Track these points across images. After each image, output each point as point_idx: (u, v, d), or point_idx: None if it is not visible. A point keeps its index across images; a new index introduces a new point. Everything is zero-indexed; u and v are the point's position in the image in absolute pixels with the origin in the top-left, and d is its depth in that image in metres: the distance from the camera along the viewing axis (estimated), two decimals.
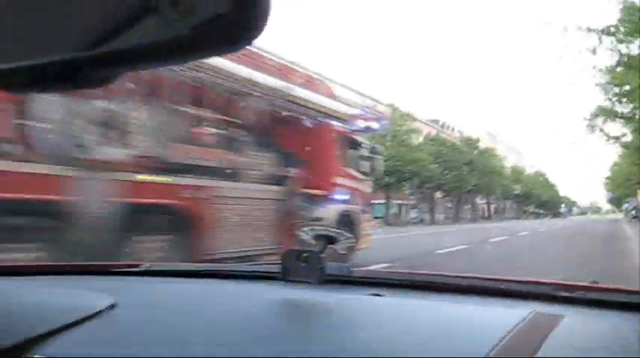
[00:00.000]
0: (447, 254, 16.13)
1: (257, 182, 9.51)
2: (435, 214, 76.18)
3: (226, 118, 9.17)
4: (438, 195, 76.43)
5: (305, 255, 1.28)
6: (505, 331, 0.96)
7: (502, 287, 1.44)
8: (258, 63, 9.28)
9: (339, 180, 11.52)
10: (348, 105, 12.12)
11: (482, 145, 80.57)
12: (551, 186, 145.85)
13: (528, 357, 0.88)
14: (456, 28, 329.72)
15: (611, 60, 23.82)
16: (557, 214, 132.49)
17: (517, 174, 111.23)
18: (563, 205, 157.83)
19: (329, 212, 10.82)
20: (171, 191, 7.60)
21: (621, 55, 21.50)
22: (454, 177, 67.97)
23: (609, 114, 33.99)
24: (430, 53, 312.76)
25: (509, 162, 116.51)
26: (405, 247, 19.14)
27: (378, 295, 1.36)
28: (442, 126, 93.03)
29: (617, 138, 36.54)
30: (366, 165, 12.65)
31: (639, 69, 22.64)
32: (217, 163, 8.77)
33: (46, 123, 6.41)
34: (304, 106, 10.61)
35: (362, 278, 1.56)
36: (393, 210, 63.80)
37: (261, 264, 2.01)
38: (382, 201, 60.50)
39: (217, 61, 7.81)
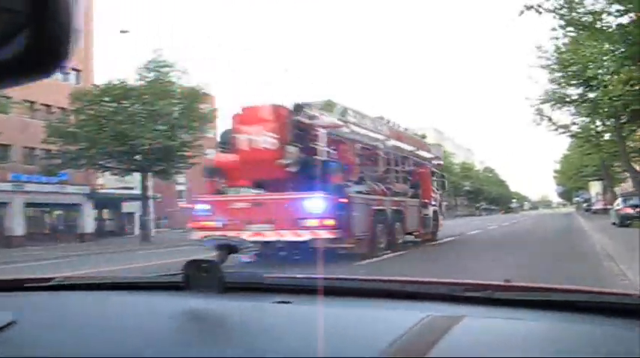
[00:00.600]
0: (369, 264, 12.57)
1: (410, 197, 18.29)
2: None
3: (398, 170, 18.34)
4: None
5: (205, 265, 1.30)
6: (399, 333, 1.00)
7: (408, 289, 1.49)
8: (402, 137, 19.05)
9: (432, 194, 20.83)
10: (430, 151, 22.41)
11: (428, 141, 77.13)
12: (501, 182, 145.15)
13: None
14: (403, 26, 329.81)
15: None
16: (508, 210, 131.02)
17: (466, 170, 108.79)
18: (514, 201, 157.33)
19: (431, 210, 20.12)
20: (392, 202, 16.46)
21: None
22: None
23: (558, 99, 31.14)
24: (376, 51, 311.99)
25: (458, 158, 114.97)
26: None
27: (286, 302, 1.37)
28: (387, 123, 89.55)
29: (566, 127, 33.42)
30: (440, 185, 23.08)
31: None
32: (401, 191, 17.66)
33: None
34: (422, 159, 20.70)
35: (273, 285, 1.57)
36: None
37: (164, 275, 1.83)
38: None
39: (397, 143, 18.15)
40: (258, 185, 13.72)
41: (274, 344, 1.07)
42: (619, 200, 28.26)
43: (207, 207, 13.67)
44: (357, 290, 1.57)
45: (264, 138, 13.11)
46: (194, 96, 30.77)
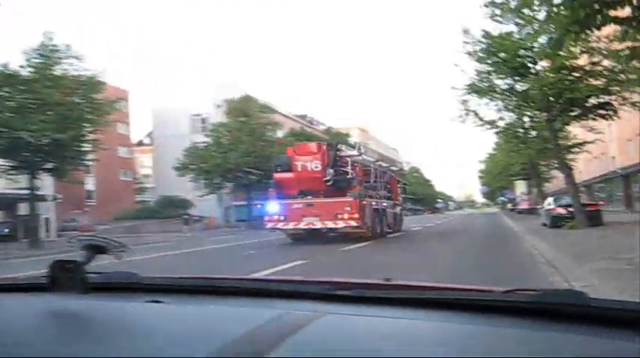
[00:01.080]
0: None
1: (387, 200, 24.99)
2: None
3: (382, 181, 25.19)
4: None
5: (70, 265, 1.30)
6: (249, 329, 1.05)
7: (283, 288, 1.56)
8: (383, 157, 31.94)
9: (399, 198, 28.24)
10: (396, 165, 35.27)
11: (353, 140, 75.20)
12: (427, 182, 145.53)
13: (259, 357, 0.92)
14: (326, 22, 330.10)
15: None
16: (434, 210, 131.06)
17: None
18: (440, 201, 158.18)
19: (398, 209, 27.43)
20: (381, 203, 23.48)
21: None
22: None
23: (485, 90, 29.36)
24: (299, 50, 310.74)
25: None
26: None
27: (157, 301, 1.38)
28: (310, 122, 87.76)
29: (492, 123, 31.85)
30: (403, 190, 30.94)
31: None
32: (384, 195, 24.62)
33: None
34: (392, 172, 28.05)
35: (146, 285, 1.58)
36: (258, 212, 56.79)
37: (28, 277, 1.89)
38: (244, 203, 53.37)
39: (381, 162, 26.89)
40: (306, 193, 20.34)
41: (124, 343, 1.07)
42: (550, 199, 26.51)
43: (275, 207, 20.29)
44: (233, 289, 1.58)
45: (313, 164, 20.15)
46: (91, 86, 27.51)
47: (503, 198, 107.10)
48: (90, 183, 55.41)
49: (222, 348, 0.94)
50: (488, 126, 31.76)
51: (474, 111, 30.86)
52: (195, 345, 0.99)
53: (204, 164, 46.76)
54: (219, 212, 58.55)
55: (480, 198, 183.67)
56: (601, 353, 1.01)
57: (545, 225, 25.39)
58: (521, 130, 32.36)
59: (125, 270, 1.63)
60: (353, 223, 19.40)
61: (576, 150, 36.18)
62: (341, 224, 19.58)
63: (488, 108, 31.16)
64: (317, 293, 1.42)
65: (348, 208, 19.47)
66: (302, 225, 19.84)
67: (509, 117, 32.07)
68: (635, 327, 1.07)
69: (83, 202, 52.85)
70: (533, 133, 32.14)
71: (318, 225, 19.80)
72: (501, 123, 32.20)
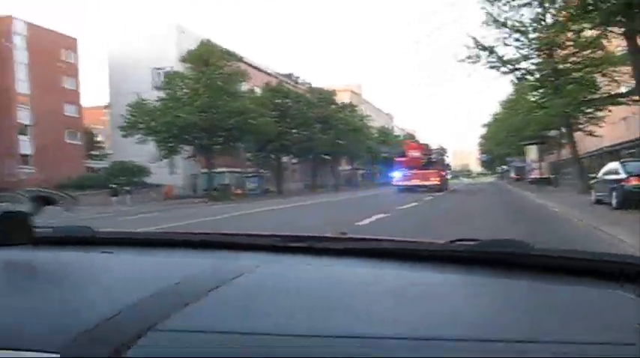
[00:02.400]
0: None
1: (443, 171, 47.66)
2: (288, 183, 62.07)
3: (442, 163, 49.33)
4: (288, 160, 62.18)
5: (15, 216, 1.28)
6: (179, 279, 1.08)
7: (236, 240, 1.57)
8: (444, 152, 57.94)
9: (447, 170, 54.04)
10: (442, 153, 53.96)
11: (342, 101, 66.60)
12: None
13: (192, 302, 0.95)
14: None
15: None
16: None
17: (384, 135, 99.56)
18: None
19: (446, 177, 49.65)
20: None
21: None
22: (304, 136, 53.31)
23: (507, 25, 22.10)
24: (290, 7, 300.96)
25: (377, 123, 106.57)
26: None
27: (106, 252, 1.40)
28: (295, 81, 79.20)
29: (514, 63, 23.87)
30: (446, 166, 56.01)
31: None
32: (442, 169, 47.87)
33: None
34: (443, 157, 52.32)
35: (99, 238, 1.58)
36: (223, 180, 48.58)
37: None
38: (204, 171, 45.20)
39: (445, 156, 58.60)
40: (412, 167, 40.41)
41: (76, 292, 1.09)
42: (613, 165, 17.70)
43: (398, 174, 41.60)
44: (185, 242, 1.59)
45: (418, 154, 43.48)
46: None
47: (504, 167, 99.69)
48: (26, 147, 46.99)
49: (155, 293, 0.97)
50: (508, 68, 23.83)
51: (489, 48, 23.04)
52: (132, 292, 1.00)
53: (154, 122, 38.24)
54: (186, 180, 50.52)
55: (476, 168, 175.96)
56: (537, 294, 1.08)
57: (600, 202, 17.32)
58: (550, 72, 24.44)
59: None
60: (436, 183, 39.47)
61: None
62: (430, 183, 38.98)
63: (508, 45, 23.47)
64: (269, 245, 1.45)
65: (434, 175, 40.39)
66: (410, 183, 39.15)
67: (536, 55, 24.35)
68: (576, 274, 1.13)
69: (15, 169, 44.23)
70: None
71: (419, 183, 38.89)
72: (525, 64, 24.34)
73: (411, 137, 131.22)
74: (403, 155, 43.69)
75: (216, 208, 26.79)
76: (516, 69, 23.57)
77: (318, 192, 55.33)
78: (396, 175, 41.62)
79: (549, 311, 0.97)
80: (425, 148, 45.98)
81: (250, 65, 52.11)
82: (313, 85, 71.60)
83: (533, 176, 48.27)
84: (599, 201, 17.52)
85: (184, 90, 39.28)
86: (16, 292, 1.11)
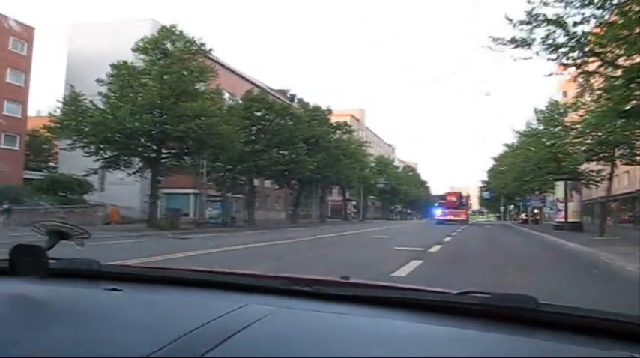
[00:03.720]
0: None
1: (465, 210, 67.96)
2: (268, 211, 53.49)
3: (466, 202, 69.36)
4: (269, 185, 53.71)
5: (31, 250, 1.27)
6: (201, 322, 1.05)
7: (242, 281, 1.53)
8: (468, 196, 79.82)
9: (467, 208, 70.47)
10: (464, 196, 70.12)
11: (337, 120, 58.03)
12: (422, 184, 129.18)
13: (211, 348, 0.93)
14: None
15: None
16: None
17: (383, 166, 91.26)
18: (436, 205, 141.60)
19: (467, 214, 69.67)
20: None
21: None
22: (288, 157, 44.56)
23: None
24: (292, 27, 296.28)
25: (377, 152, 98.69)
26: None
27: (116, 289, 1.38)
28: (291, 98, 71.25)
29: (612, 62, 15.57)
30: (468, 206, 75.03)
31: None
32: (467, 209, 70.34)
33: None
34: (465, 199, 69.66)
35: (107, 273, 1.57)
36: (180, 204, 39.92)
37: None
38: (167, 191, 36.71)
39: (468, 199, 78.21)
40: (448, 207, 62.15)
41: (78, 329, 1.07)
42: None
43: (439, 210, 63.27)
44: (192, 281, 1.59)
45: (454, 198, 64.28)
46: None
47: (511, 207, 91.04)
48: None
49: (173, 340, 0.94)
50: (577, 55, 15.55)
51: (559, 20, 15.03)
52: (148, 336, 1.00)
53: (84, 124, 29.37)
54: (144, 202, 41.77)
55: (474, 206, 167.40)
56: (541, 353, 1.08)
57: None
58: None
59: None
60: (464, 218, 60.17)
61: None
62: (460, 218, 58.16)
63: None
64: (276, 288, 1.45)
65: (462, 213, 61.43)
66: (447, 218, 57.87)
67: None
68: (580, 331, 1.15)
69: None
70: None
71: (452, 218, 57.49)
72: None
73: (411, 170, 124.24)
74: (444, 198, 65.00)
75: (132, 242, 18.17)
76: (597, 53, 14.96)
77: (300, 224, 46.76)
78: (438, 212, 63.04)
79: None
80: (459, 194, 65.99)
81: (214, 60, 43.46)
82: (306, 102, 63.16)
83: (558, 219, 38.98)
84: None
85: (133, 85, 30.52)
86: (27, 324, 1.08)
